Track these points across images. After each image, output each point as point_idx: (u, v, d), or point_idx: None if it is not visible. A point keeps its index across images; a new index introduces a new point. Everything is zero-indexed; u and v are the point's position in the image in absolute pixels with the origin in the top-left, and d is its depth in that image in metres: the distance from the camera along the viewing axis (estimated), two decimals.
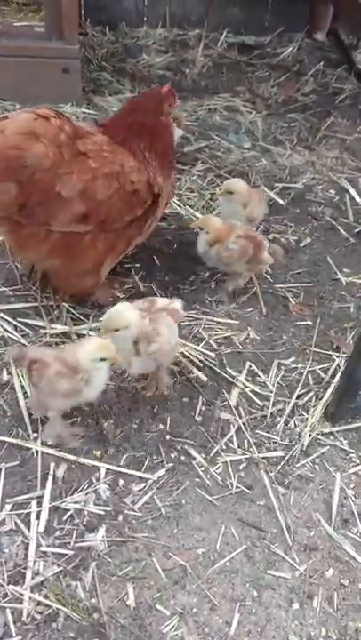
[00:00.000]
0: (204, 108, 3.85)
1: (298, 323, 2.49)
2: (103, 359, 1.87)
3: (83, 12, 4.38)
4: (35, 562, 1.71)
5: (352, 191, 3.21)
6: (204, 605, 1.69)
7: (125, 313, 1.95)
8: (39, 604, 1.64)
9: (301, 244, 2.86)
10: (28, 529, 1.77)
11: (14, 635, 1.58)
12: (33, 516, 1.80)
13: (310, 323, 2.49)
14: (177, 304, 2.10)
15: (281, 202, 3.07)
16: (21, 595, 1.65)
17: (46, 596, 1.65)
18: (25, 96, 3.37)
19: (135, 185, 2.14)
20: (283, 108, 3.98)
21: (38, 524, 1.78)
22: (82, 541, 1.76)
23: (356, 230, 2.97)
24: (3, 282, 2.45)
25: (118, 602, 1.67)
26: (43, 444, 1.96)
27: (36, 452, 1.93)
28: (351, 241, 2.92)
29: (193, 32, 4.62)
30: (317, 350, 2.38)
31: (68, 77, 3.35)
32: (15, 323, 2.31)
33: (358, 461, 2.06)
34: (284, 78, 4.26)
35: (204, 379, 2.23)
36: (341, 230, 2.97)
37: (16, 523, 1.78)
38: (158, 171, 2.25)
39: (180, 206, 2.99)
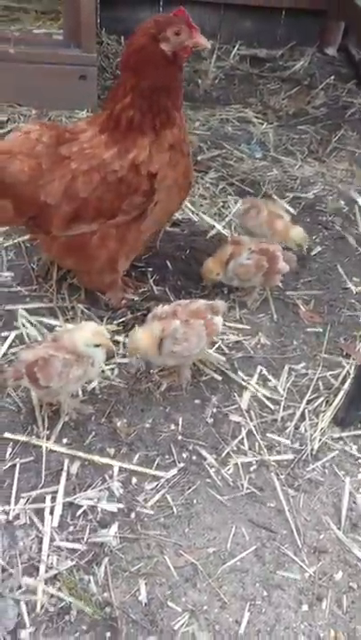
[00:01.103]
0: (217, 118, 3.91)
1: (308, 329, 2.52)
2: (97, 345, 1.93)
3: (98, 21, 4.46)
4: (48, 556, 1.73)
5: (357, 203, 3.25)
6: (215, 603, 1.71)
7: (140, 342, 2.05)
8: (52, 596, 1.66)
9: (312, 253, 2.90)
10: (42, 523, 1.79)
11: (28, 626, 1.60)
12: (47, 511, 1.82)
13: (320, 330, 2.52)
14: (218, 319, 2.13)
15: (292, 211, 3.11)
16: (35, 587, 1.67)
17: (60, 590, 1.67)
18: (41, 101, 3.43)
19: (118, 173, 2.08)
20: (293, 119, 4.04)
21: (52, 519, 1.80)
22: (95, 537, 1.78)
23: None
24: (19, 282, 2.49)
25: (130, 597, 1.68)
26: (55, 442, 1.98)
27: (47, 449, 1.96)
28: (360, 251, 2.96)
29: None
30: (327, 357, 2.41)
31: (84, 84, 3.41)
32: (32, 321, 2.34)
33: None
34: (295, 91, 4.33)
35: (219, 378, 2.27)
36: (351, 240, 3.01)
37: (30, 517, 1.81)
38: (153, 145, 2.08)
39: (192, 212, 3.03)
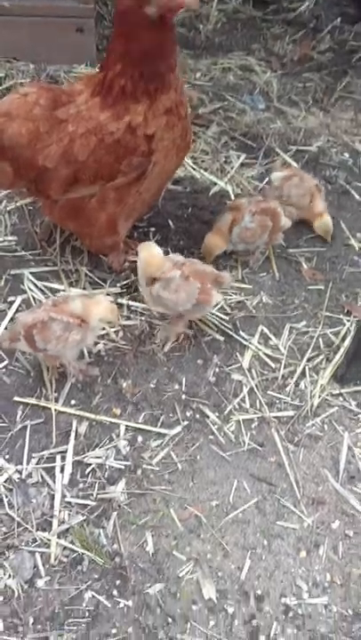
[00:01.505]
0: (218, 67, 3.81)
1: (310, 287, 2.55)
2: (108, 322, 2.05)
3: None
4: (60, 511, 1.84)
5: None
6: (218, 552, 1.82)
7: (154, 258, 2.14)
8: (65, 548, 1.77)
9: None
10: (54, 481, 1.90)
11: (43, 575, 1.72)
12: (57, 470, 1.92)
13: (322, 287, 2.55)
14: (216, 293, 2.16)
15: (295, 165, 3.08)
16: (49, 540, 1.78)
17: (72, 542, 1.78)
18: (39, 56, 3.35)
19: (115, 135, 2.06)
20: (298, 66, 3.92)
21: (63, 477, 1.90)
22: (104, 493, 1.89)
23: None
24: (23, 246, 2.52)
25: (138, 548, 1.80)
26: (64, 404, 2.07)
27: (56, 410, 2.04)
28: None
29: None
30: (329, 314, 2.45)
31: (81, 37, 3.32)
32: (38, 285, 2.38)
33: None
34: (301, 35, 4.18)
35: (221, 338, 2.32)
36: (355, 194, 2.99)
37: (42, 476, 1.91)
38: (152, 94, 2.02)
39: (194, 169, 3.01)
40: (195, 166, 3.02)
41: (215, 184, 2.93)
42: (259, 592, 1.75)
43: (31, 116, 2.07)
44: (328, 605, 1.75)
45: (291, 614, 1.72)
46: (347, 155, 3.21)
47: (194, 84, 3.61)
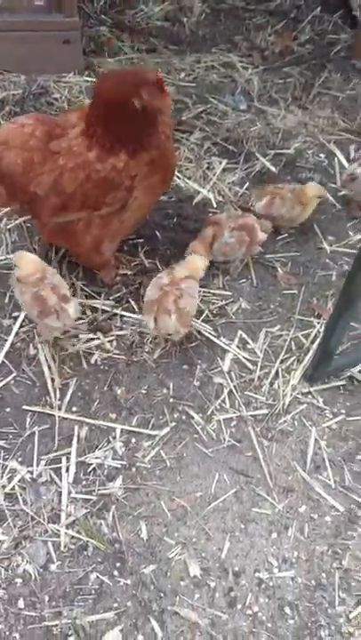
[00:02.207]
0: (202, 66, 3.96)
1: (284, 292, 2.81)
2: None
3: None
4: (67, 505, 2.16)
5: (340, 155, 3.40)
6: (202, 536, 2.14)
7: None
8: (73, 537, 2.10)
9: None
10: (60, 480, 2.21)
11: (55, 561, 2.05)
12: (63, 470, 2.23)
13: (295, 292, 2.81)
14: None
15: (273, 169, 3.29)
16: (58, 531, 2.11)
17: (78, 532, 2.11)
18: (29, 67, 3.53)
19: (101, 172, 2.28)
20: (279, 59, 4.07)
21: (68, 476, 2.22)
22: (104, 489, 2.20)
23: (339, 194, 3.21)
24: None
25: (134, 535, 2.13)
26: (66, 411, 2.37)
27: (59, 417, 2.34)
28: (337, 207, 3.17)
29: None
30: (301, 318, 2.72)
31: (68, 48, 3.48)
32: None
33: (331, 417, 2.45)
34: (282, 25, 4.30)
35: (204, 344, 2.60)
36: (328, 196, 3.20)
37: (50, 475, 2.22)
38: (130, 154, 2.27)
39: (178, 177, 3.22)
40: (179, 174, 3.23)
41: (198, 192, 3.15)
42: (236, 568, 2.09)
43: (27, 147, 2.31)
44: (294, 578, 2.09)
45: (263, 586, 2.06)
46: (322, 156, 3.41)
47: (178, 85, 3.78)
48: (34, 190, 2.35)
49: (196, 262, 2.52)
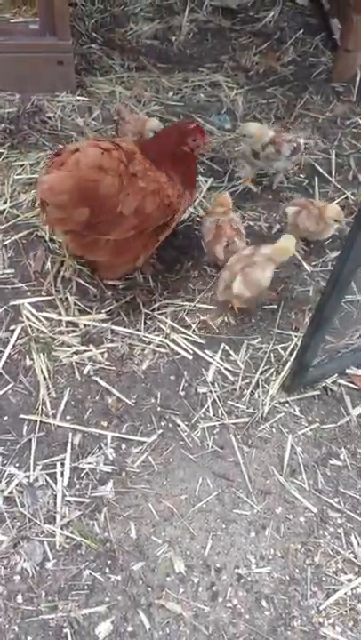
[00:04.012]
0: (189, 85, 4.14)
1: (265, 307, 3.00)
2: None
3: None
4: (62, 508, 2.33)
5: (318, 177, 3.60)
6: (187, 536, 2.33)
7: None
8: (67, 537, 2.27)
9: (273, 231, 3.31)
10: (56, 484, 2.38)
11: (51, 559, 2.23)
12: (58, 474, 2.40)
13: (276, 306, 3.00)
14: None
15: (255, 189, 3.47)
16: (54, 531, 2.28)
17: (72, 532, 2.28)
18: (24, 87, 3.68)
19: (170, 198, 2.63)
20: (263, 80, 4.26)
21: (63, 480, 2.39)
22: (96, 492, 2.38)
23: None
24: (20, 279, 2.93)
25: (124, 535, 2.30)
26: (60, 419, 2.54)
27: (54, 425, 2.52)
28: None
29: None
30: (280, 331, 2.91)
31: (62, 68, 3.64)
32: (36, 314, 2.81)
33: (306, 424, 2.65)
34: (266, 46, 4.49)
35: (190, 356, 2.78)
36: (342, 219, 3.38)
37: (46, 479, 2.39)
38: (181, 186, 2.73)
39: None
40: None
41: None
42: (218, 565, 2.28)
43: (118, 171, 2.49)
44: (270, 573, 2.28)
45: (242, 581, 2.25)
46: (302, 176, 3.61)
47: (167, 104, 3.96)
48: (120, 210, 2.52)
49: (282, 245, 2.84)
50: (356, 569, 2.31)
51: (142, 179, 2.55)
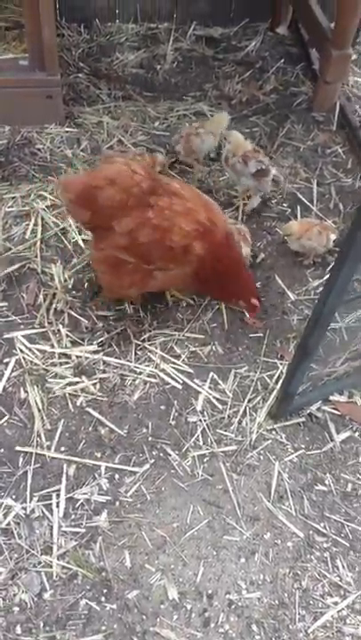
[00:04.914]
0: (175, 115, 4.25)
1: (251, 335, 3.10)
2: None
3: (58, 10, 4.64)
4: (58, 538, 2.41)
5: (300, 205, 3.72)
6: (179, 563, 2.42)
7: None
8: (64, 567, 2.35)
9: (257, 260, 3.42)
10: (52, 515, 2.46)
11: (48, 589, 2.30)
12: (54, 505, 2.48)
13: (261, 335, 3.11)
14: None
15: (238, 219, 3.59)
16: (51, 562, 2.35)
17: (68, 562, 2.36)
18: (13, 120, 3.77)
19: (172, 243, 2.63)
20: (246, 108, 4.38)
21: (58, 511, 2.47)
22: (91, 522, 2.46)
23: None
24: (13, 311, 3.01)
25: (119, 563, 2.39)
26: (55, 450, 2.62)
27: (49, 457, 2.60)
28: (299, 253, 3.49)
29: (163, 25, 4.91)
30: (266, 359, 3.01)
31: (51, 102, 3.73)
32: (29, 346, 2.90)
33: (293, 451, 2.75)
34: (248, 75, 4.62)
35: (179, 386, 2.88)
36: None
37: (42, 511, 2.47)
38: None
39: None
40: None
41: None
42: (210, 591, 2.37)
43: (128, 191, 2.57)
44: (260, 598, 2.37)
45: (233, 606, 2.34)
46: (285, 205, 3.73)
47: (153, 134, 4.07)
48: (113, 225, 2.61)
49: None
50: (342, 592, 2.41)
51: (155, 212, 2.59)
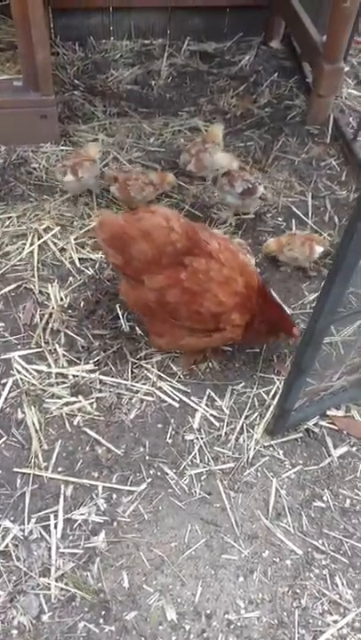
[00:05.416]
0: (170, 130, 4.28)
1: (248, 351, 3.11)
2: None
3: (52, 27, 4.70)
4: (56, 560, 2.41)
5: (295, 219, 3.74)
6: (177, 583, 2.41)
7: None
8: (62, 589, 2.35)
9: None
10: (50, 536, 2.46)
11: (47, 612, 2.30)
12: (52, 526, 2.48)
13: (258, 350, 3.12)
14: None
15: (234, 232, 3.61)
16: (49, 584, 2.36)
17: (66, 584, 2.36)
18: (9, 140, 3.81)
19: (201, 308, 2.59)
20: (241, 122, 4.41)
21: (56, 532, 2.47)
22: (89, 543, 2.46)
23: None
24: (10, 332, 3.03)
25: (117, 585, 2.39)
26: (52, 471, 2.63)
27: (47, 477, 2.60)
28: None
29: (157, 41, 4.95)
30: (262, 375, 3.02)
31: (46, 122, 3.77)
32: (26, 367, 2.91)
33: (290, 467, 2.75)
34: (243, 89, 4.66)
35: (176, 404, 2.88)
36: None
37: (40, 532, 2.47)
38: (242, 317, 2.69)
39: None
40: None
41: None
42: (208, 611, 2.36)
43: (161, 248, 2.51)
44: (259, 617, 2.37)
45: (232, 626, 2.34)
46: (280, 219, 3.75)
47: (148, 150, 4.10)
48: (142, 279, 2.58)
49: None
50: (342, 609, 2.40)
51: (188, 274, 2.54)
